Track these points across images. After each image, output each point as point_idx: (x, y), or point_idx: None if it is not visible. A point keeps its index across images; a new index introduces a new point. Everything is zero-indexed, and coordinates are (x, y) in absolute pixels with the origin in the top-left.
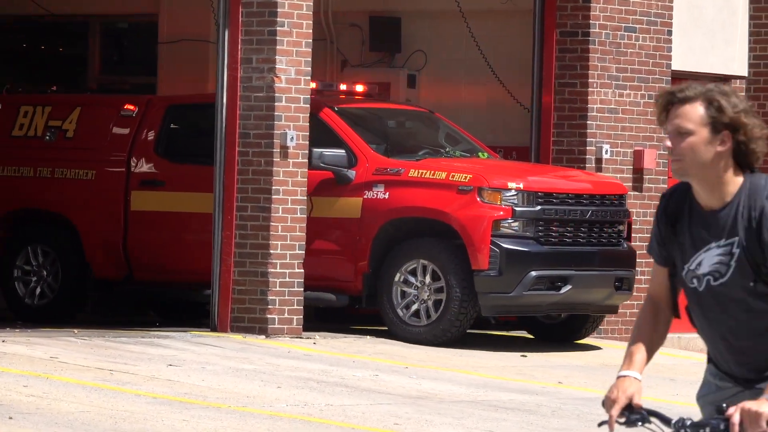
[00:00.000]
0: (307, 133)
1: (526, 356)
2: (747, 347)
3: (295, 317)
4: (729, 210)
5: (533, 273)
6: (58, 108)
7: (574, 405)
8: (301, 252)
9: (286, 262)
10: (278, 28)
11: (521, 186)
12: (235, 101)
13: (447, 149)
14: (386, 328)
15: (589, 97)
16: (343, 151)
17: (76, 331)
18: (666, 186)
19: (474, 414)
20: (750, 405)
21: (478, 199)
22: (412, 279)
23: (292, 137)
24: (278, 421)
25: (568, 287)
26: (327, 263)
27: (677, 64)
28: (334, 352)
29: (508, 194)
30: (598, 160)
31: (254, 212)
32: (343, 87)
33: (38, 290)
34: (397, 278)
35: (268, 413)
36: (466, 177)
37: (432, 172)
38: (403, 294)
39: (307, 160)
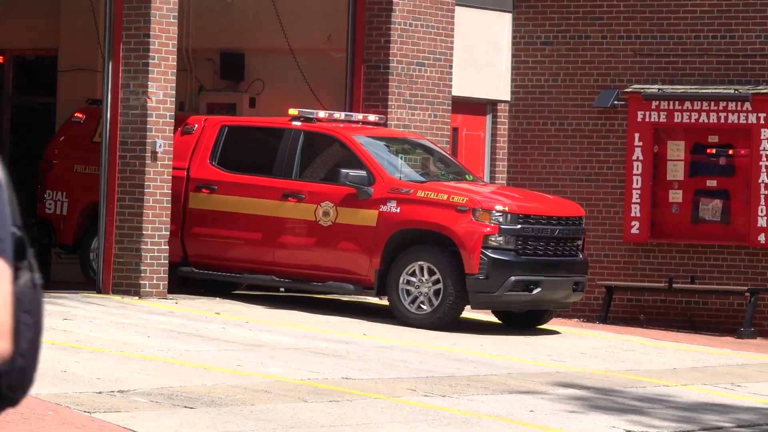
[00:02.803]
0: (172, 142)
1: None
2: None
3: (161, 283)
4: None
5: (513, 278)
6: None
7: (376, 351)
8: (166, 233)
9: (155, 241)
10: (150, 61)
11: (506, 209)
12: (117, 117)
13: (442, 172)
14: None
15: (388, 116)
16: (364, 172)
17: None
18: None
19: (299, 358)
20: None
21: (472, 217)
22: (414, 277)
23: (160, 144)
24: (148, 363)
25: (539, 289)
26: (347, 260)
27: (456, 91)
28: (192, 310)
29: (496, 215)
30: None
31: (131, 202)
32: (359, 117)
33: None
34: (403, 275)
35: (140, 356)
36: (463, 199)
37: (436, 193)
38: (407, 288)
39: (171, 162)
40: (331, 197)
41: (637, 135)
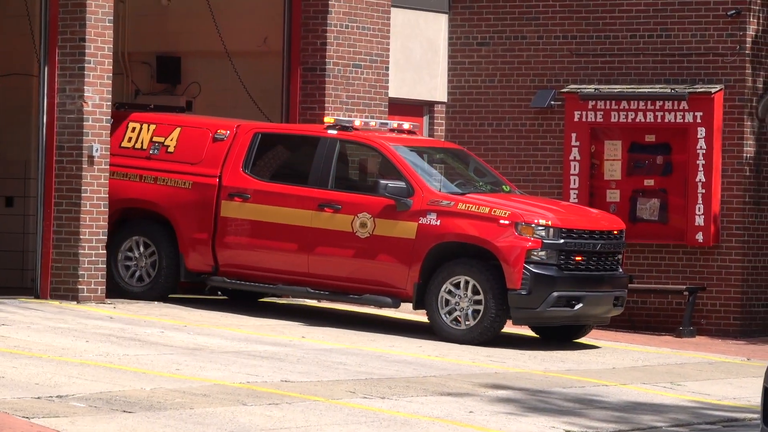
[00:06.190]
0: (109, 146)
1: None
2: None
3: (99, 287)
4: None
5: (555, 293)
6: (161, 127)
7: (315, 354)
8: (104, 237)
9: (93, 245)
10: (86, 65)
11: (549, 223)
12: (53, 121)
13: (479, 183)
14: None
15: (325, 118)
16: (404, 183)
17: None
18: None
19: (237, 361)
20: None
21: (515, 231)
22: (454, 291)
23: (97, 149)
24: (87, 368)
25: (581, 305)
26: (385, 273)
27: (393, 93)
28: (130, 315)
29: (538, 229)
30: None
31: (68, 206)
32: (394, 125)
33: (137, 275)
34: (443, 289)
35: (78, 361)
36: (505, 213)
37: (477, 206)
38: (447, 302)
39: (108, 166)
40: (369, 208)
41: (574, 135)
